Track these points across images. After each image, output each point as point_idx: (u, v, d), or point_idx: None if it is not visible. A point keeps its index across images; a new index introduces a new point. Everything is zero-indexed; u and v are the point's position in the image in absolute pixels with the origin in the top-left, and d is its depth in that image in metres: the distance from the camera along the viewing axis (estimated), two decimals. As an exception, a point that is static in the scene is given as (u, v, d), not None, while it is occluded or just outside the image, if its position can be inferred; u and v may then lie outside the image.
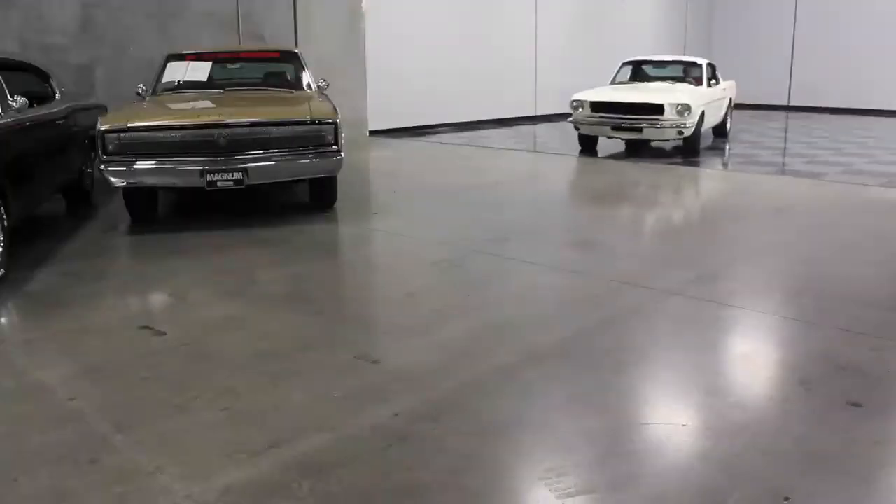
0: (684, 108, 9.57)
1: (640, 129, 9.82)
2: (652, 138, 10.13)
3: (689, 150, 10.13)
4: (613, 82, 11.42)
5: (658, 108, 9.65)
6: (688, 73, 11.36)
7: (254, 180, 5.93)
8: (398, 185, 8.25)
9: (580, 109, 10.24)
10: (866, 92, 16.71)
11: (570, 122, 10.41)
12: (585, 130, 10.38)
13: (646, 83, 11.26)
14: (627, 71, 11.77)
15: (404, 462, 2.57)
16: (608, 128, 10.03)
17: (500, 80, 14.51)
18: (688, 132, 9.67)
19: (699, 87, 10.61)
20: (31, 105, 5.62)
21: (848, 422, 2.83)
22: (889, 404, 3.03)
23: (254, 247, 5.53)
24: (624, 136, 10.15)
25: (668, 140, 10.25)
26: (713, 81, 11.03)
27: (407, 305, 4.33)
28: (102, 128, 5.80)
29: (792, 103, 17.97)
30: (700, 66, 11.13)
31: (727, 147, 11.33)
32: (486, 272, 5.00)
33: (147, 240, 5.88)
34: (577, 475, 2.48)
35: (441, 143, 12.04)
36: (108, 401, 3.07)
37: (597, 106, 10.08)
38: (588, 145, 10.65)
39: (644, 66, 11.93)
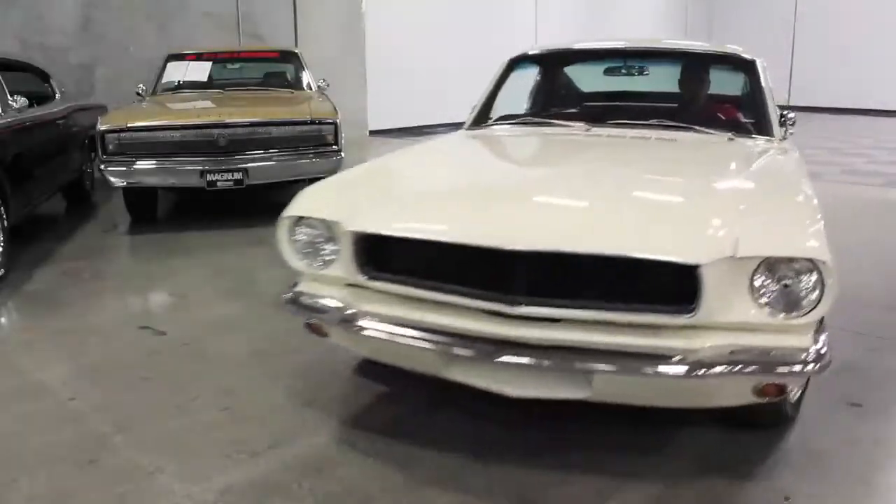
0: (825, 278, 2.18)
1: None
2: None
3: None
4: (481, 120, 3.94)
5: None
6: (699, 85, 3.98)
7: (254, 180, 5.93)
8: (398, 185, 8.22)
9: None
10: (866, 92, 16.70)
11: None
12: None
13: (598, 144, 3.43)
14: (525, 87, 4.45)
15: (404, 462, 2.57)
16: None
17: (500, 80, 14.49)
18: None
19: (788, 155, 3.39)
20: (31, 105, 5.62)
21: (848, 422, 2.84)
22: (889, 404, 3.03)
23: (254, 247, 5.52)
24: None
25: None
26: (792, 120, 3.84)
27: (407, 305, 4.32)
28: (102, 128, 5.80)
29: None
30: (755, 71, 3.83)
31: None
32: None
33: (147, 240, 5.88)
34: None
35: (441, 142, 12.01)
36: (108, 401, 3.06)
37: None
38: None
39: (562, 70, 4.49)
